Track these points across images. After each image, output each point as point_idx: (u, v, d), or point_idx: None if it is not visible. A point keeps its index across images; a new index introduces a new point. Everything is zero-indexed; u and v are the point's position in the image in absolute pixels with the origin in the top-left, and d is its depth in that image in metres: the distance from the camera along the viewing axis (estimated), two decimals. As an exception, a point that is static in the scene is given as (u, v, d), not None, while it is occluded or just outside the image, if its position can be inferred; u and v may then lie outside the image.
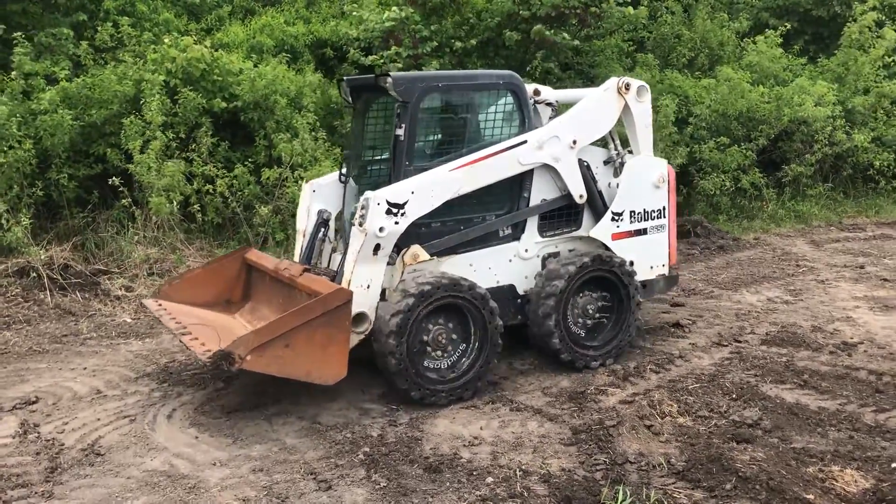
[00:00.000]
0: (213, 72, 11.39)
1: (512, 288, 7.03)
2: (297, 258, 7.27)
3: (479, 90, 6.95)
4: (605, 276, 7.06)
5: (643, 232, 7.48)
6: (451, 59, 12.85)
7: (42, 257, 9.64)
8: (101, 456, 5.51)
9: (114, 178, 10.21)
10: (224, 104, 11.25)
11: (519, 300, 7.04)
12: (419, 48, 12.46)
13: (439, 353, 6.32)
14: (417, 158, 6.60)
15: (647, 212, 7.48)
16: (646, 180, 7.46)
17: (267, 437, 5.78)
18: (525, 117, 6.98)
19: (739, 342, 7.71)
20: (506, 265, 7.00)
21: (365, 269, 6.22)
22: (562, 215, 7.24)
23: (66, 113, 10.23)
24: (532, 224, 7.10)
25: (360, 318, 6.21)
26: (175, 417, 6.15)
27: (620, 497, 4.75)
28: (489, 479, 5.07)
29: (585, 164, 7.24)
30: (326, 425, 5.94)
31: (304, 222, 7.33)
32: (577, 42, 13.15)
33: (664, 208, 7.58)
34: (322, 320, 5.75)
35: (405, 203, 6.25)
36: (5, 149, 9.86)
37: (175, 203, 10.34)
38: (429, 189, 6.37)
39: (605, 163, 7.49)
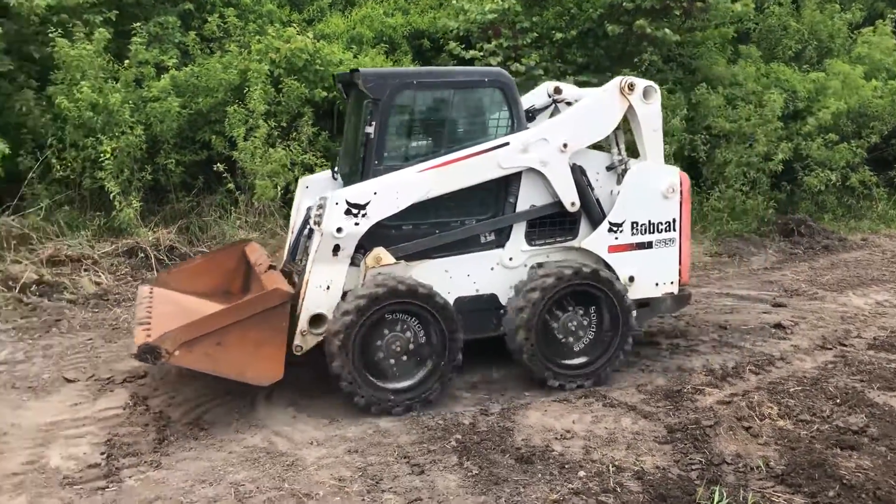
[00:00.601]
0: (315, 62, 11.63)
1: (493, 297, 6.62)
2: (285, 254, 7.22)
3: (461, 88, 6.57)
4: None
5: (647, 245, 6.90)
6: (550, 50, 12.73)
7: (150, 238, 10.09)
8: (204, 430, 5.75)
9: (218, 164, 10.58)
10: (325, 94, 11.47)
11: (502, 311, 6.58)
12: (519, 40, 12.38)
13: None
14: (389, 158, 6.36)
15: (653, 224, 6.89)
16: (652, 189, 6.88)
17: (362, 419, 5.90)
18: (514, 117, 6.59)
19: (845, 346, 7.43)
20: (487, 273, 6.60)
21: (324, 270, 6.05)
22: (554, 223, 6.78)
23: (174, 100, 10.63)
24: (519, 231, 6.69)
25: (319, 319, 6.04)
26: (274, 397, 6.34)
27: (717, 498, 4.66)
28: (581, 473, 5.04)
29: (580, 169, 6.79)
30: (419, 411, 6.01)
31: (295, 218, 7.26)
32: (678, 37, 12.79)
33: (674, 220, 6.95)
34: (256, 320, 5.68)
35: (366, 204, 6.06)
36: (118, 134, 10.31)
37: (279, 188, 10.63)
38: (393, 190, 6.14)
39: (608, 169, 6.99)
